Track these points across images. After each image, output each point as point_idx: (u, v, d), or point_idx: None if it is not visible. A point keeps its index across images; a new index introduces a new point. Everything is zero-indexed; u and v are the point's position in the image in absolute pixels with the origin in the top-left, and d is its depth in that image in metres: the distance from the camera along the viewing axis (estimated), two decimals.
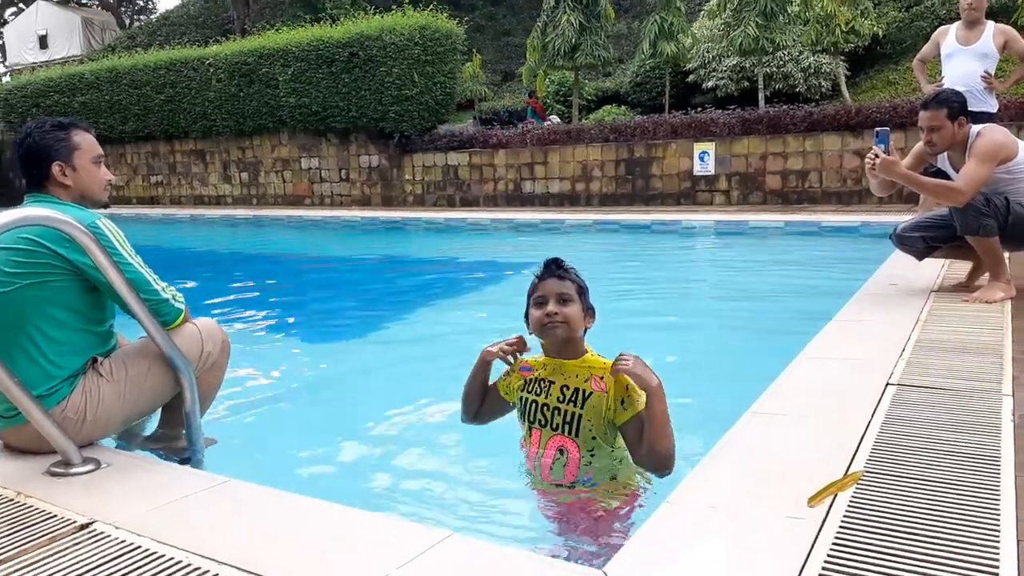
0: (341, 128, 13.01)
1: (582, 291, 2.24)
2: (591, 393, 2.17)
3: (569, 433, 2.18)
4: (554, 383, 2.23)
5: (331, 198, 13.52)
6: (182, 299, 2.50)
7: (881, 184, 3.96)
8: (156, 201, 15.61)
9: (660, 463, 2.10)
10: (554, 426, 2.21)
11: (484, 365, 2.43)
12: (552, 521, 2.15)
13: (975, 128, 3.76)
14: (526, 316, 2.28)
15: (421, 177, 12.58)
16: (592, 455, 2.17)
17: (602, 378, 2.17)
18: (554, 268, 2.24)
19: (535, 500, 2.23)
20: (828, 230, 8.04)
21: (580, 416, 2.16)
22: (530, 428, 2.27)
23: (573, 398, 2.18)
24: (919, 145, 3.96)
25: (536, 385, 2.27)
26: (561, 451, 2.18)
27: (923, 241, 4.05)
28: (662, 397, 2.07)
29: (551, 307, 2.17)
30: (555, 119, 14.73)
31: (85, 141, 2.44)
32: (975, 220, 3.70)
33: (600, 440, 2.17)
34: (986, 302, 3.74)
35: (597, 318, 2.30)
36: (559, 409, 2.20)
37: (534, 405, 2.25)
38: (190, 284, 6.56)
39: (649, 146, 10.71)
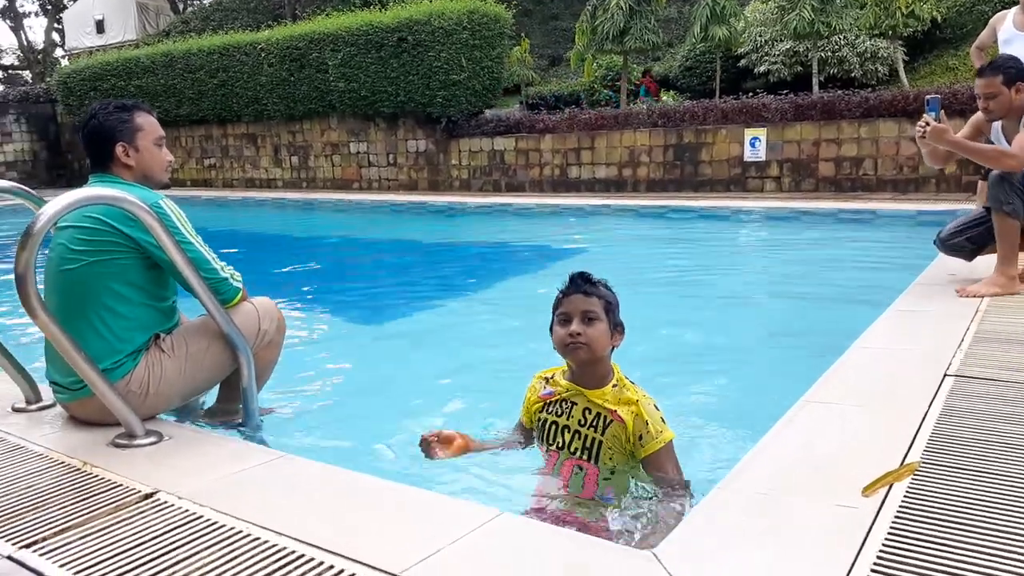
0: (389, 113, 13.09)
1: (610, 308, 2.10)
2: (611, 421, 2.06)
3: (588, 459, 2.08)
4: (576, 404, 2.13)
5: (379, 182, 13.63)
6: (240, 278, 2.56)
7: (932, 153, 3.86)
8: (209, 184, 15.91)
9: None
10: (572, 450, 2.11)
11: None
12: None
13: None
14: (551, 330, 2.15)
15: (468, 162, 12.61)
16: (612, 473, 2.08)
17: (616, 409, 2.07)
18: (580, 283, 2.09)
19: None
20: (883, 218, 7.85)
21: (601, 443, 2.07)
22: (547, 449, 2.17)
23: (594, 423, 2.08)
24: (977, 115, 3.92)
25: (558, 406, 2.17)
26: (580, 467, 2.10)
27: (969, 243, 3.93)
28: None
29: (575, 327, 2.04)
30: (668, 99, 14.11)
31: (147, 123, 2.51)
32: (1005, 195, 3.59)
33: (620, 465, 2.08)
34: (978, 296, 3.63)
35: (626, 335, 2.16)
36: (579, 432, 2.10)
37: (554, 426, 2.15)
38: (243, 264, 6.68)
39: (698, 131, 10.55)
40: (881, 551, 1.49)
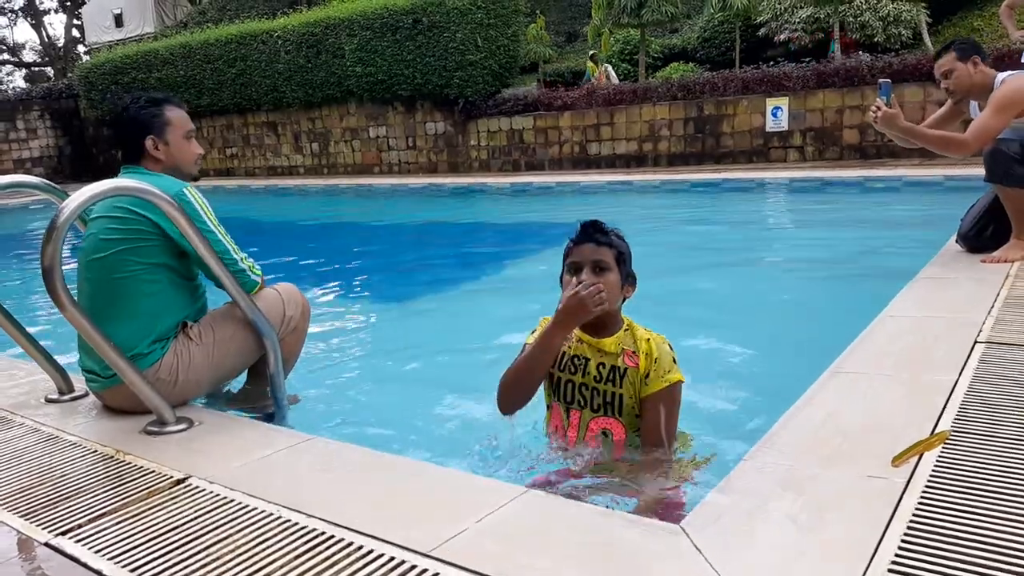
0: (407, 96, 13.06)
1: (622, 258, 2.02)
2: (627, 369, 2.01)
3: (612, 413, 2.03)
4: (590, 360, 2.05)
5: (399, 166, 13.64)
6: (259, 272, 2.58)
7: (896, 136, 3.75)
8: (232, 173, 16.02)
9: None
10: (595, 407, 2.04)
11: (564, 331, 2.03)
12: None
13: (1002, 75, 3.54)
14: (561, 279, 2.07)
15: (486, 142, 12.57)
16: (637, 433, 2.04)
17: (635, 352, 2.01)
18: (591, 232, 2.02)
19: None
20: (910, 185, 7.72)
21: (621, 396, 2.02)
22: (567, 408, 2.09)
23: (611, 377, 2.01)
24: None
25: (570, 363, 2.07)
26: (605, 433, 2.04)
27: (994, 241, 3.74)
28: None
29: (585, 276, 1.97)
30: (864, 56, 13.22)
31: (177, 117, 2.54)
32: (1002, 167, 3.47)
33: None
34: (1004, 261, 3.53)
35: (638, 287, 2.10)
36: (598, 389, 2.03)
37: (570, 385, 2.07)
38: (268, 252, 6.74)
39: (719, 103, 10.42)
40: (911, 522, 1.48)
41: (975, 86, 3.60)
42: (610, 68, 15.50)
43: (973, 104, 3.75)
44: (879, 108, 3.52)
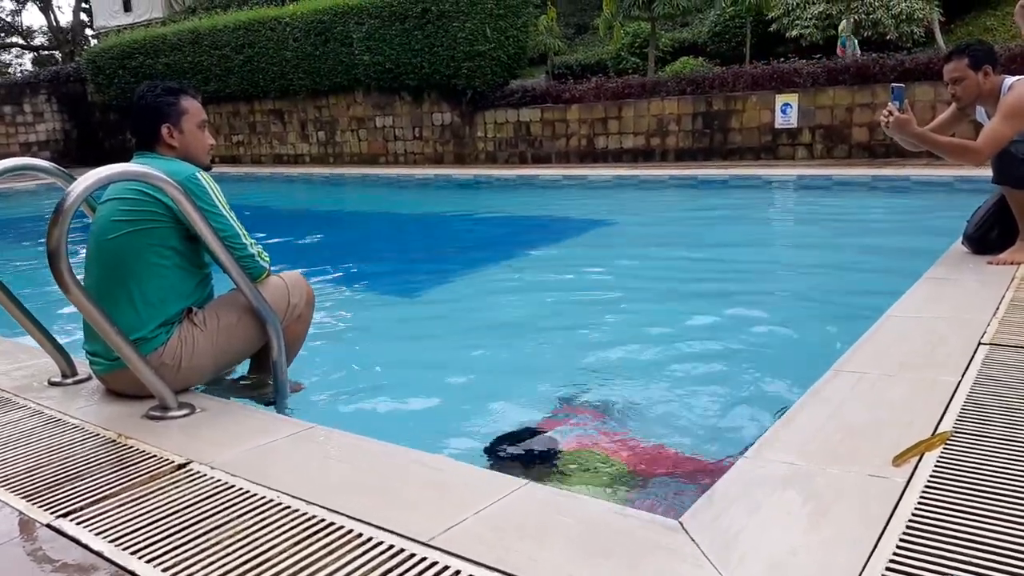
0: (414, 86, 13.02)
1: None
2: None
3: None
4: None
5: (405, 156, 13.62)
6: (268, 259, 2.59)
7: (905, 141, 3.72)
8: (237, 160, 16.01)
9: None
10: None
11: None
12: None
13: (1009, 80, 3.50)
14: None
15: (493, 134, 12.53)
16: None
17: None
18: None
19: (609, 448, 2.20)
20: (918, 185, 7.69)
21: None
22: None
23: None
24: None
25: None
26: None
27: (1000, 240, 3.73)
28: None
29: None
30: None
31: (192, 106, 2.57)
32: (1011, 169, 3.44)
33: None
34: (1010, 263, 3.51)
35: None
36: None
37: None
38: (273, 240, 6.75)
39: (728, 98, 10.37)
40: (911, 521, 1.48)
41: (983, 95, 3.58)
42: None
43: (980, 109, 3.72)
44: (891, 113, 3.50)
